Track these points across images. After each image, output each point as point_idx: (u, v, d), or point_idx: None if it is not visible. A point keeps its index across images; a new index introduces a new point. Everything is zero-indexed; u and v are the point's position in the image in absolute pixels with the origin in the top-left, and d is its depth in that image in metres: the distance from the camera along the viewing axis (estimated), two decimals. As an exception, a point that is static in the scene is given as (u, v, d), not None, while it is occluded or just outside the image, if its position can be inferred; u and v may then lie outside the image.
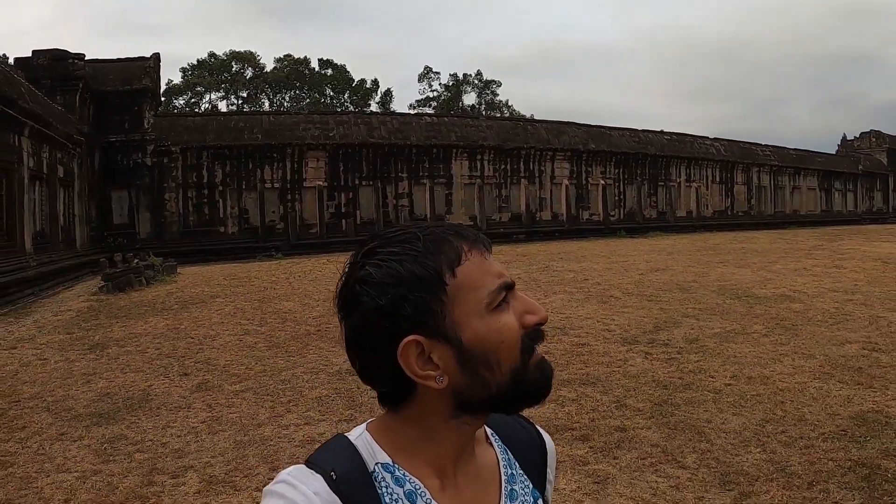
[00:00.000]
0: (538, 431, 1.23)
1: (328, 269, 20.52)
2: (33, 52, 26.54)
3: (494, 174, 36.95)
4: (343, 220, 33.34)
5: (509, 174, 37.37)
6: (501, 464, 1.13)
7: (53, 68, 25.93)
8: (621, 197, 41.23)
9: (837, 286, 14.08)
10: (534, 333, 1.02)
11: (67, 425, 6.35)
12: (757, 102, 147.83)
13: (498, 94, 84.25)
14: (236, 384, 7.64)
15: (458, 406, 1.02)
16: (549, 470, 1.21)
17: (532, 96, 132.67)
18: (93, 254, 25.80)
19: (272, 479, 2.66)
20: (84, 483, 4.93)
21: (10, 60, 54.54)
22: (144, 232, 29.47)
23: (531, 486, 1.15)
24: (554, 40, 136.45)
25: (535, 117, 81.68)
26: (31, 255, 20.29)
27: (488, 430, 1.16)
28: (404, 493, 1.01)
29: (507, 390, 1.01)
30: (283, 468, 2.76)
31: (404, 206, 34.67)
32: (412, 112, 54.07)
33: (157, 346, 9.96)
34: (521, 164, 37.73)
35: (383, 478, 1.01)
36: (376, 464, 1.02)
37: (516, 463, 1.16)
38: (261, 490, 3.37)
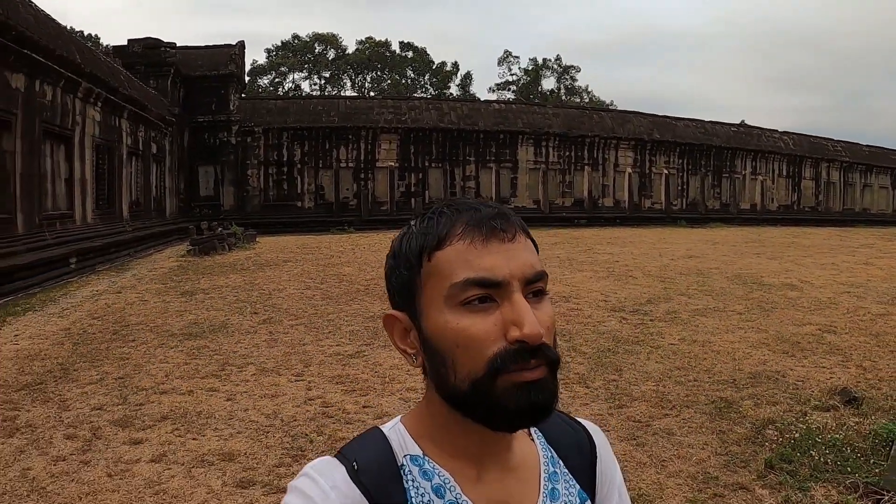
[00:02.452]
0: (585, 428, 1.15)
1: (389, 244, 22.70)
2: (129, 40, 29.59)
3: (559, 160, 38.37)
4: (412, 199, 35.38)
5: (573, 161, 38.69)
6: (542, 461, 1.06)
7: (147, 55, 28.92)
8: (684, 187, 41.84)
9: (849, 280, 15.03)
10: (514, 352, 0.89)
11: (165, 340, 8.63)
12: (846, 94, 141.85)
13: (577, 80, 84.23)
14: (292, 320, 9.87)
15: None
16: (598, 472, 1.11)
17: (613, 82, 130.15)
18: (181, 222, 28.75)
19: (304, 373, 5.54)
20: (178, 369, 7.19)
21: (101, 40, 58.28)
22: (228, 204, 32.28)
23: (578, 487, 1.07)
24: (637, 25, 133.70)
25: (615, 103, 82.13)
26: (128, 221, 23.14)
27: (531, 427, 1.08)
28: (432, 487, 0.97)
29: (467, 398, 0.92)
30: (314, 366, 5.62)
31: (471, 188, 36.52)
32: (481, 99, 55.56)
33: (235, 294, 12.30)
34: (586, 151, 38.97)
35: (410, 471, 0.97)
36: (405, 456, 0.99)
37: (560, 462, 1.08)
38: (292, 377, 5.75)
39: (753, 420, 5.65)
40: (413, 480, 0.97)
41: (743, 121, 50.02)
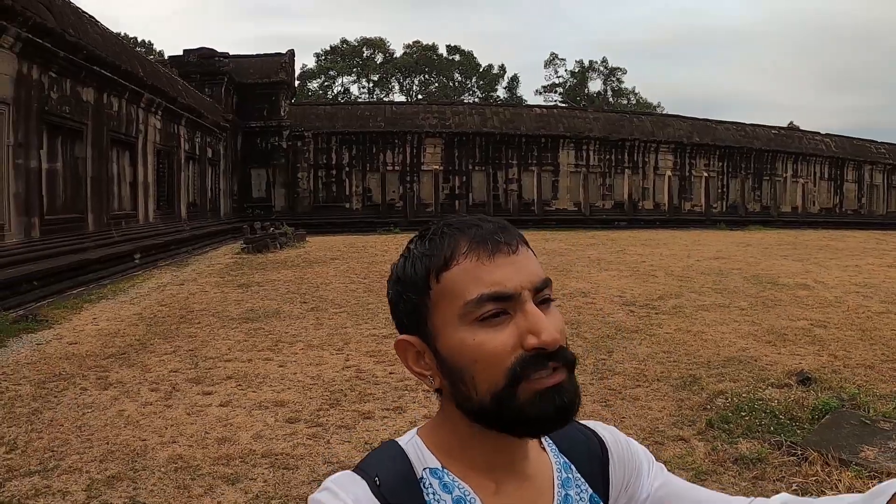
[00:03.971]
0: (596, 433, 1.17)
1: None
2: (184, 50, 31.60)
3: (599, 163, 39.26)
4: (456, 201, 36.69)
5: (613, 164, 39.54)
6: (555, 468, 1.08)
7: (202, 65, 30.82)
8: (724, 189, 42.22)
9: (864, 281, 15.60)
10: (532, 359, 0.92)
11: (226, 323, 10.02)
12: None
13: (623, 82, 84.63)
14: (337, 309, 11.22)
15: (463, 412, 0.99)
16: (611, 476, 1.13)
17: (661, 82, 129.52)
18: (234, 222, 30.50)
19: (344, 348, 7.28)
20: (238, 345, 8.55)
21: (154, 45, 60.51)
22: (279, 205, 33.95)
23: (590, 491, 1.09)
24: (687, 24, 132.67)
25: (662, 104, 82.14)
26: (186, 220, 24.85)
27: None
28: (452, 499, 0.99)
29: (490, 410, 0.95)
30: (353, 343, 7.39)
31: (513, 191, 37.68)
32: (525, 103, 56.60)
33: (286, 287, 13.70)
34: (626, 154, 39.77)
35: (431, 484, 0.99)
36: (424, 469, 1.01)
37: (572, 466, 1.10)
38: (334, 351, 7.19)
39: (711, 392, 6.72)
40: (434, 493, 0.98)
41: (791, 122, 49.99)
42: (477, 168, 37.11)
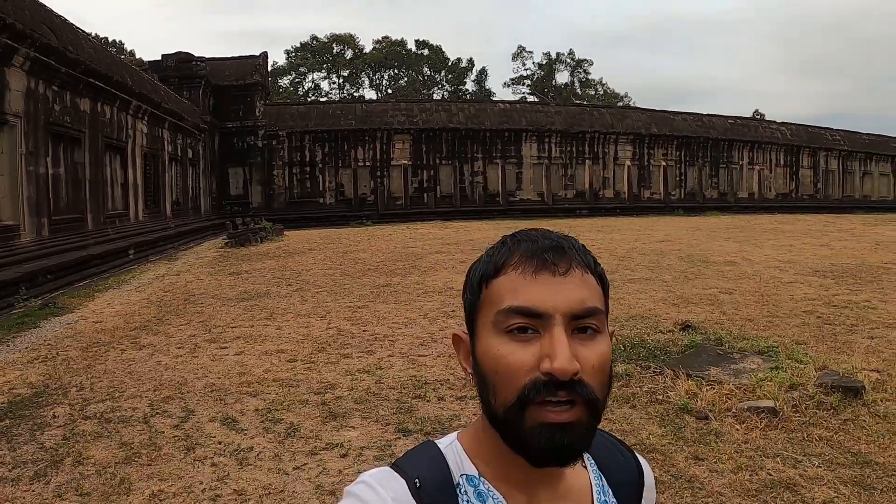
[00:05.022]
0: (638, 461, 1.18)
1: (402, 234, 26.06)
2: (162, 55, 33.27)
3: (561, 155, 41.40)
4: (425, 194, 38.71)
5: (574, 155, 41.69)
6: (594, 489, 1.09)
7: (179, 69, 32.48)
8: (682, 178, 44.52)
9: (788, 258, 17.44)
10: (544, 384, 0.92)
11: (225, 302, 11.89)
12: (874, 80, 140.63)
13: (590, 73, 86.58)
14: (318, 289, 13.15)
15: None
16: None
17: (631, 71, 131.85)
18: (214, 219, 32.22)
19: (326, 316, 9.86)
20: (239, 317, 10.48)
21: (125, 45, 61.53)
22: (256, 202, 35.68)
23: None
24: (657, 12, 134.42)
25: (629, 94, 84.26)
26: (171, 218, 26.56)
27: (584, 454, 1.10)
28: None
29: (501, 425, 0.97)
30: (333, 312, 9.95)
31: (479, 183, 39.70)
32: (490, 99, 58.55)
33: (272, 273, 15.60)
34: (586, 146, 41.91)
35: (466, 490, 1.00)
36: (461, 475, 1.02)
37: (610, 491, 1.11)
38: (317, 318, 9.31)
39: (609, 336, 8.67)
40: (468, 500, 0.99)
41: (756, 109, 51.75)
42: (444, 162, 39.06)
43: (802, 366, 7.29)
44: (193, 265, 18.40)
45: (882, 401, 6.39)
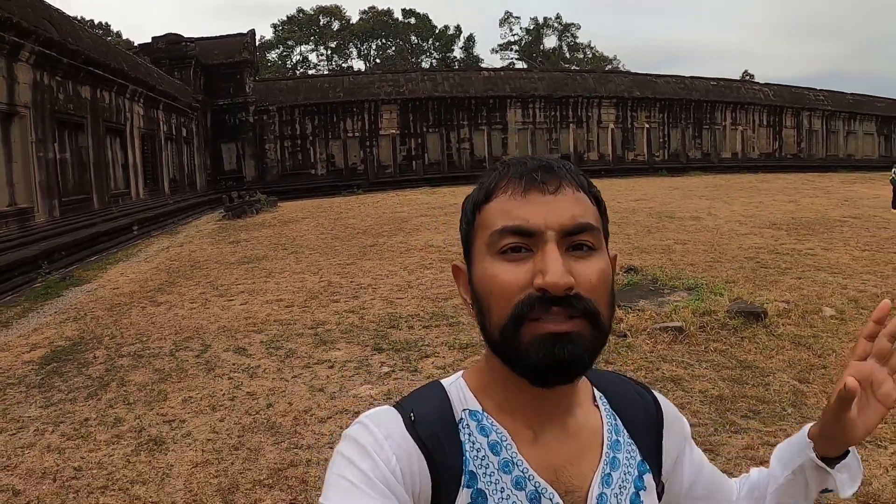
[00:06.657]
0: (655, 399, 1.15)
1: (391, 201, 27.37)
2: (153, 38, 34.08)
3: (545, 120, 42.30)
4: (413, 162, 39.80)
5: (559, 120, 42.61)
6: (606, 428, 1.06)
7: (170, 51, 33.33)
8: (665, 139, 45.26)
9: (751, 213, 18.51)
10: (537, 300, 0.90)
11: (228, 266, 13.26)
12: (862, 42, 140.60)
13: (578, 37, 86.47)
14: (311, 251, 14.56)
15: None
16: (664, 447, 1.11)
17: (622, 34, 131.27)
18: (210, 194, 33.44)
19: (318, 272, 11.84)
20: (241, 277, 11.85)
21: (112, 27, 61.93)
22: (250, 175, 36.77)
23: (639, 457, 1.07)
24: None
25: (618, 58, 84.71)
26: (169, 195, 27.80)
27: (597, 393, 1.09)
28: (488, 443, 0.98)
29: (498, 347, 0.95)
30: (324, 269, 11.80)
31: (465, 150, 40.74)
32: (472, 68, 59.32)
33: (269, 240, 16.95)
34: (570, 110, 42.75)
35: (468, 424, 0.99)
36: (464, 410, 1.00)
37: (625, 430, 1.08)
38: (311, 274, 10.84)
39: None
40: (470, 434, 0.98)
41: (745, 70, 52.18)
42: (431, 130, 40.08)
43: (720, 297, 8.67)
44: (195, 237, 19.71)
45: (783, 324, 7.79)
